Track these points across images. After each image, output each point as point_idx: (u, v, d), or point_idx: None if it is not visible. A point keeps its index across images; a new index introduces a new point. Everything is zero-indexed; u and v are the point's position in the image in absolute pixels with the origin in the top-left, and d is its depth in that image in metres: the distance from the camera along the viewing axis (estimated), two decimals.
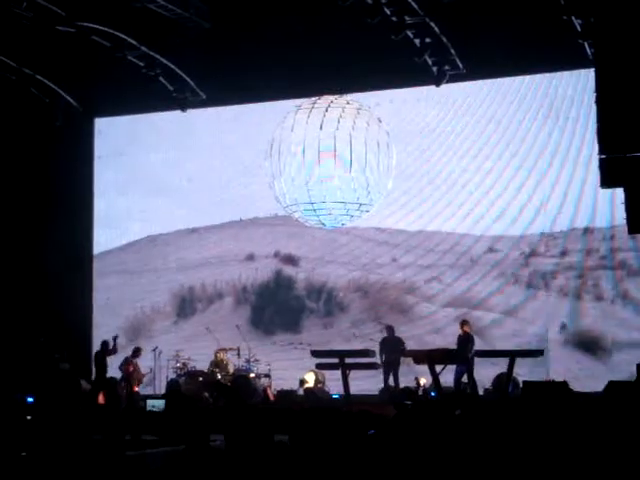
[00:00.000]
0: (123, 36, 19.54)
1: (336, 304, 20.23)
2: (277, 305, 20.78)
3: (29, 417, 10.91)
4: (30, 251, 22.04)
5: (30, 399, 17.43)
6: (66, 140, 22.22)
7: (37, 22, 18.63)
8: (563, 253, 18.77)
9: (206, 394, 18.09)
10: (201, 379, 18.78)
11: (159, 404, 14.64)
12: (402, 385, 17.81)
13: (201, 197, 21.36)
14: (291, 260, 20.64)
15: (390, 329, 18.34)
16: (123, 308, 21.77)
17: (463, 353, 16.67)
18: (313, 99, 18.34)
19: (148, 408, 14.80)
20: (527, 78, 19.12)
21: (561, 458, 4.57)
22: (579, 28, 16.90)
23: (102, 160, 22.53)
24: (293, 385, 18.81)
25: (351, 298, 20.09)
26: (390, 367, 17.94)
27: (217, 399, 17.62)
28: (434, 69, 19.10)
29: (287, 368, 19.41)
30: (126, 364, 18.88)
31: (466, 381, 16.81)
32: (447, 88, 19.44)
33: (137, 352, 19.10)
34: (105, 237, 22.25)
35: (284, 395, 18.47)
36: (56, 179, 22.05)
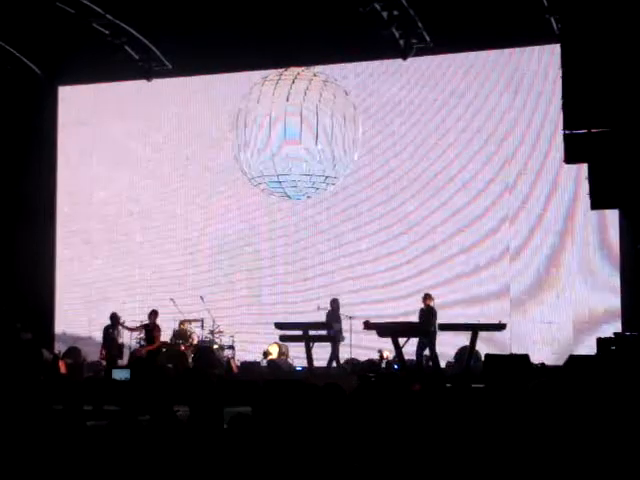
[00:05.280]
0: (88, 3, 19.33)
1: None
2: None
3: None
4: None
5: None
6: (29, 108, 21.99)
7: None
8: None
9: (169, 365, 18.07)
10: (164, 350, 18.75)
11: (124, 374, 14.61)
12: (365, 358, 17.91)
13: (166, 168, 21.26)
14: None
15: (335, 302, 18.35)
16: (86, 278, 21.66)
17: (426, 326, 16.77)
18: (280, 71, 18.24)
19: (114, 377, 14.75)
20: (493, 52, 19.15)
21: (521, 432, 4.63)
22: (546, 3, 16.95)
23: (66, 129, 22.31)
24: (257, 357, 18.88)
25: None
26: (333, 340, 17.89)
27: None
28: (401, 42, 19.10)
29: (251, 340, 19.49)
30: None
31: (428, 354, 16.94)
32: (414, 61, 19.46)
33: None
34: (69, 207, 22.09)
35: (247, 367, 18.52)
36: (19, 148, 21.83)
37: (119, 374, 14.75)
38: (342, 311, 18.20)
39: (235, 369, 18.37)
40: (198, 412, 5.04)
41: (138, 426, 5.07)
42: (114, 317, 18.66)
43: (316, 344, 17.48)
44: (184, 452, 4.82)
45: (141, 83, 21.38)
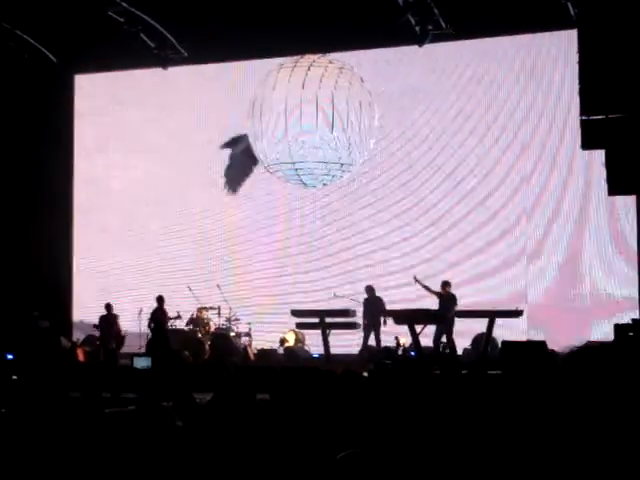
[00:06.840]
0: None
1: None
2: None
3: (14, 377, 10.92)
4: (9, 209, 21.94)
5: (10, 356, 17.43)
6: (46, 97, 22.04)
7: None
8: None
9: (186, 352, 18.14)
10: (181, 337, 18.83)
11: (146, 361, 14.64)
12: (382, 345, 17.90)
13: (182, 156, 21.26)
14: None
15: (370, 289, 18.33)
16: (104, 267, 21.72)
17: (444, 313, 16.72)
18: (295, 58, 18.22)
19: (135, 366, 14.77)
20: (509, 38, 19.05)
21: (538, 419, 4.62)
22: None
23: (82, 117, 22.37)
24: (273, 344, 18.91)
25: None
26: (371, 327, 17.96)
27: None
28: (417, 29, 19.02)
29: (268, 328, 19.51)
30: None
31: (445, 341, 16.90)
32: (430, 48, 19.39)
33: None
34: (85, 195, 22.16)
35: (264, 354, 18.55)
36: (36, 137, 21.89)
37: (140, 362, 14.78)
38: (358, 298, 18.23)
39: (252, 356, 18.41)
40: (220, 399, 5.06)
41: (159, 413, 5.09)
42: (108, 306, 18.99)
43: (333, 331, 17.51)
44: (205, 439, 4.84)
45: (157, 71, 21.39)
